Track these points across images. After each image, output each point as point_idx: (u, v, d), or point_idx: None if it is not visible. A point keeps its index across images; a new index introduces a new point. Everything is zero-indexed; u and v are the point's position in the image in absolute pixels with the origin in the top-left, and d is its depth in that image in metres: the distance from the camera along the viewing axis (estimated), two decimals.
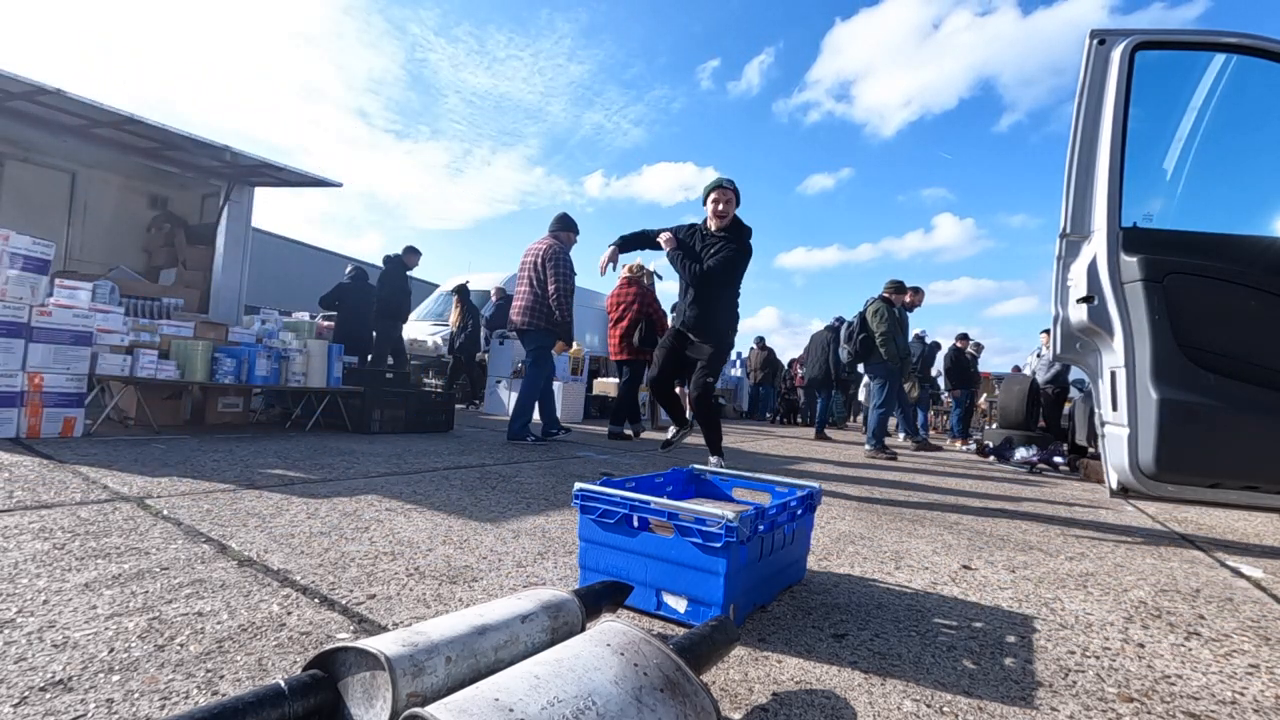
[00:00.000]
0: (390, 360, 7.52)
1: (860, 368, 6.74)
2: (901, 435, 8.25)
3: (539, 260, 4.54)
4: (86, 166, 6.48)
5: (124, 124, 4.95)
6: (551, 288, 4.46)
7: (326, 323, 6.79)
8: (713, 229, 3.56)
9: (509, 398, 7.81)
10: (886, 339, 6.06)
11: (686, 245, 3.59)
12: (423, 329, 9.87)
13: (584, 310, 12.37)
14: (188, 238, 6.70)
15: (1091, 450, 5.93)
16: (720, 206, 3.48)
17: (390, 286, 7.38)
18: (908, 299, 6.62)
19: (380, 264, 7.58)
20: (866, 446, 6.07)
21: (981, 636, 1.42)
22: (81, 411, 3.41)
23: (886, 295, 6.32)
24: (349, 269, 7.49)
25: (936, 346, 9.40)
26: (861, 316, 6.26)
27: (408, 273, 7.62)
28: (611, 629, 0.88)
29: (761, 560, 1.43)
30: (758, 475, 1.99)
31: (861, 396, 11.07)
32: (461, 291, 8.72)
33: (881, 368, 6.15)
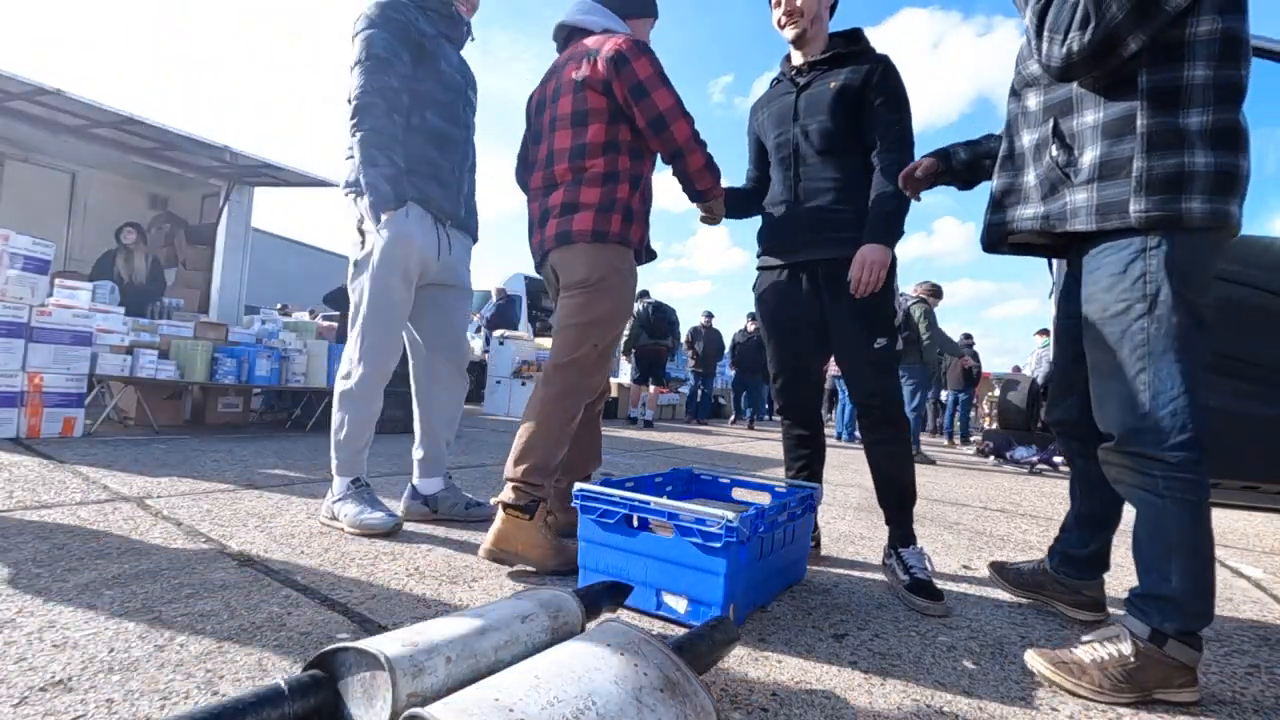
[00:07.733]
0: None
1: None
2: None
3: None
4: (86, 166, 6.48)
5: (124, 124, 4.95)
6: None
7: (327, 323, 6.79)
8: (797, 63, 1.82)
9: (509, 397, 7.81)
10: (934, 343, 5.94)
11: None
12: None
13: None
14: (188, 238, 6.71)
15: None
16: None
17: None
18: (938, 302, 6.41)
19: None
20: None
21: (981, 636, 1.43)
22: (81, 411, 3.41)
23: (924, 296, 6.05)
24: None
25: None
26: (906, 313, 5.94)
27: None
28: (611, 629, 0.88)
29: (761, 560, 1.43)
30: (757, 475, 1.99)
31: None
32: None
33: (919, 369, 6.00)
